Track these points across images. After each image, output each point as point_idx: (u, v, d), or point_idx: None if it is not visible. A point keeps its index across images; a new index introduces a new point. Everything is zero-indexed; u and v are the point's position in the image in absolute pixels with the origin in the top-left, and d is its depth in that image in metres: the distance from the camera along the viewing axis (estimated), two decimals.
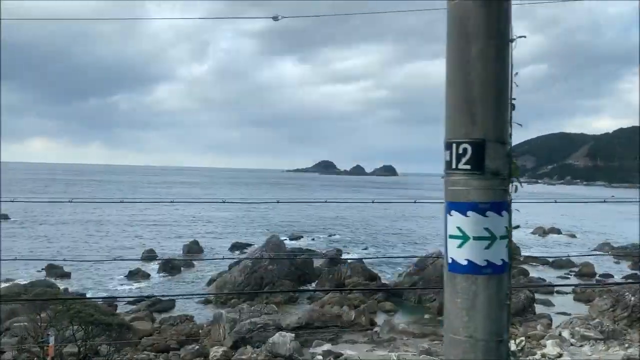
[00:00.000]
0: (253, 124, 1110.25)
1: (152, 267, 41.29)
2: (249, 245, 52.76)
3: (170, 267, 40.76)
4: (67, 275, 37.99)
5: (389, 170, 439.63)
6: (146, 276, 38.78)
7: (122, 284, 36.80)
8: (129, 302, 30.56)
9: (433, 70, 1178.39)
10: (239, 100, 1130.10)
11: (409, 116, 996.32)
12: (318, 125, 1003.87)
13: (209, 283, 35.85)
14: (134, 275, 38.48)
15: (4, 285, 30.41)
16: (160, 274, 39.78)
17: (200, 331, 23.40)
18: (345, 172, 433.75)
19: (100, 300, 26.86)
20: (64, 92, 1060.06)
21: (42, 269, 38.82)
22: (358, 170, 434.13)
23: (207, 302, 32.28)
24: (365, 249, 53.61)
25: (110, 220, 68.36)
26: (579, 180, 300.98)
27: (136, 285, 36.74)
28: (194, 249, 49.03)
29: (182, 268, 41.51)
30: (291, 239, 59.20)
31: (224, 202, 9.98)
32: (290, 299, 31.93)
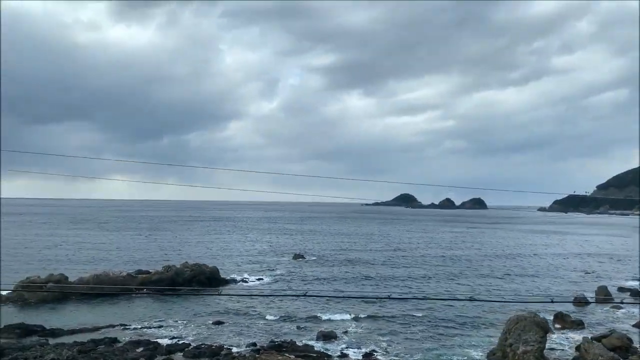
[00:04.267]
0: (319, 157, 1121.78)
1: None
2: None
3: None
4: None
5: (478, 203, 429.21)
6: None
7: None
8: None
9: (502, 98, 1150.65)
10: (306, 135, 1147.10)
11: (477, 146, 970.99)
12: (385, 157, 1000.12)
13: None
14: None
15: None
16: None
17: None
18: (433, 206, 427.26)
19: None
20: (139, 132, 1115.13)
21: None
22: (447, 204, 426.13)
23: None
24: None
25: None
26: None
27: None
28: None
29: None
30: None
31: None
32: None
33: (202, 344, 30.29)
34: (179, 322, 37.03)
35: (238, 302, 43.87)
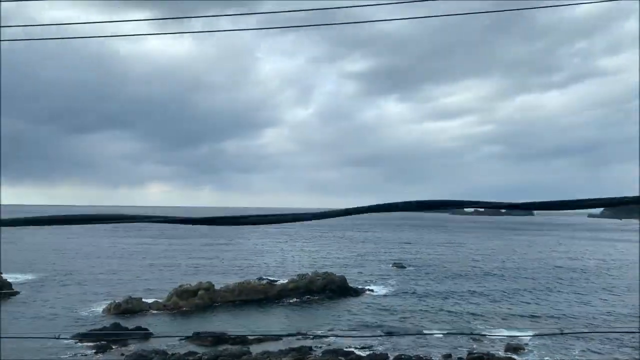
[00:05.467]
0: (353, 164, 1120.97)
1: None
2: None
3: None
4: None
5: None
6: None
7: None
8: None
9: (543, 101, 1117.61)
10: (341, 141, 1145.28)
11: (517, 151, 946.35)
12: (421, 163, 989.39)
13: None
14: None
15: None
16: None
17: None
18: (477, 213, 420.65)
19: None
20: (178, 140, 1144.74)
21: None
22: (492, 210, 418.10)
23: None
24: None
25: None
26: None
27: None
28: None
29: None
30: None
31: None
32: None
33: (402, 355, 30.51)
34: (346, 330, 37.43)
35: (380, 310, 44.38)
